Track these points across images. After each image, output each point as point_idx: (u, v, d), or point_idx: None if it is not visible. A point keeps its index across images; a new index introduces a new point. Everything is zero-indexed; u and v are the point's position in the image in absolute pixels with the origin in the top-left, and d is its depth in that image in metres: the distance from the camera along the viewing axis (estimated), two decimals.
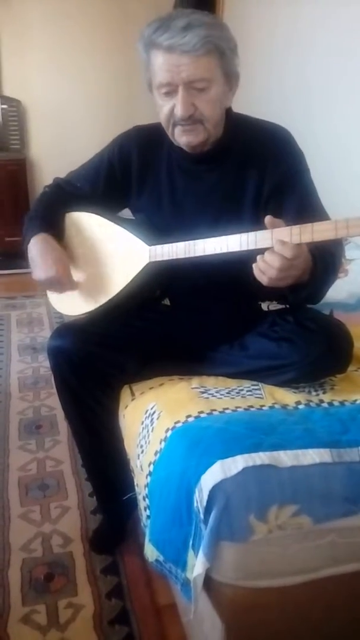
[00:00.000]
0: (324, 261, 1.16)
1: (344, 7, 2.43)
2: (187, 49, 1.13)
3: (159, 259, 1.25)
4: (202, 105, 1.21)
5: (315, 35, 2.73)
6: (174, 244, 1.21)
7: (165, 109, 1.23)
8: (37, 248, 1.33)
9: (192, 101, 1.19)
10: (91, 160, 1.47)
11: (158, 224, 1.36)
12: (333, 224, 0.98)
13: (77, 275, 1.38)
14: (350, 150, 2.51)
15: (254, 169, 1.29)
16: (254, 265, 1.08)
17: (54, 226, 1.39)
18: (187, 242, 1.19)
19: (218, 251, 1.14)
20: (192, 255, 1.18)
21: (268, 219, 1.04)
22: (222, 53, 1.19)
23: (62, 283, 1.33)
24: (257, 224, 1.27)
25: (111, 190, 1.43)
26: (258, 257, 1.07)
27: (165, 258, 1.24)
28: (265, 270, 1.06)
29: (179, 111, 1.20)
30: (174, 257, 1.22)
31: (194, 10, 1.18)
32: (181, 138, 1.26)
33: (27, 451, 1.95)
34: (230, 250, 1.12)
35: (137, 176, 1.40)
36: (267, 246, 1.05)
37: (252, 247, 1.08)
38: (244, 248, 1.09)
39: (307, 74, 2.83)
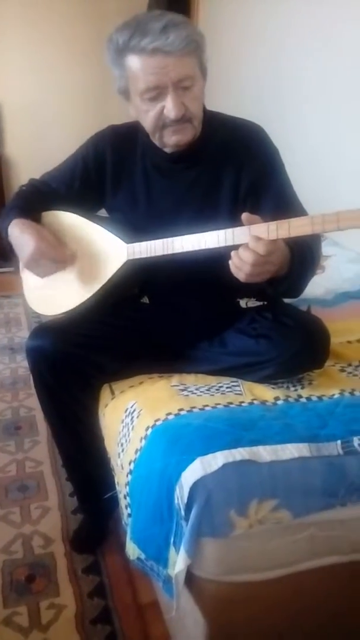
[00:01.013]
0: (301, 255, 1.16)
1: (315, 7, 2.47)
2: (171, 49, 1.12)
3: (137, 256, 1.25)
4: (190, 103, 1.20)
5: (286, 34, 2.76)
6: (152, 242, 1.21)
7: (151, 114, 1.21)
8: (16, 231, 1.31)
9: (181, 100, 1.18)
10: (66, 161, 1.46)
11: (134, 224, 1.35)
12: (309, 219, 0.99)
13: (56, 274, 1.37)
14: (320, 148, 2.55)
15: (230, 166, 1.30)
16: (230, 262, 1.08)
17: (31, 216, 1.36)
18: (165, 240, 1.19)
19: (196, 248, 1.14)
20: (170, 252, 1.18)
21: (245, 215, 1.05)
22: (200, 49, 1.19)
23: (48, 254, 1.28)
24: (234, 221, 1.27)
25: (86, 190, 1.42)
26: (233, 254, 1.07)
27: (144, 255, 1.23)
28: (240, 267, 1.07)
29: (171, 113, 1.18)
30: (152, 255, 1.22)
31: (162, 12, 1.17)
32: (171, 138, 1.24)
33: (6, 452, 1.93)
34: (208, 246, 1.12)
35: (111, 176, 1.39)
36: (244, 242, 1.06)
37: (229, 243, 1.08)
38: (222, 244, 1.09)
39: (278, 72, 2.87)
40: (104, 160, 1.39)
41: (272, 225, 1.02)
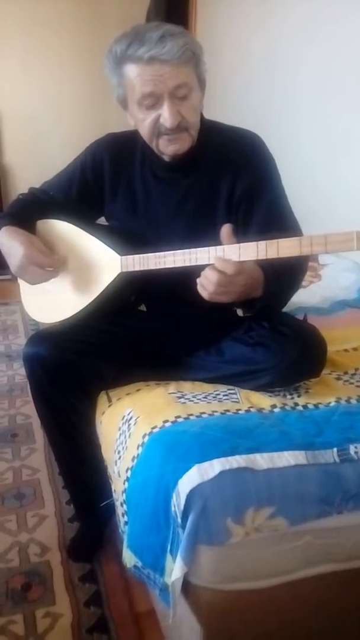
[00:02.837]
0: (277, 276, 1.17)
1: (312, 19, 2.50)
2: (167, 58, 1.14)
3: (130, 269, 1.26)
4: (186, 112, 1.21)
5: (282, 46, 2.80)
6: (145, 255, 1.22)
7: (147, 122, 1.22)
8: (5, 238, 1.31)
9: (177, 109, 1.20)
10: (65, 169, 1.48)
11: (132, 231, 1.36)
12: (298, 241, 1.00)
13: (52, 283, 1.37)
14: (316, 162, 2.57)
15: (227, 174, 1.31)
16: (197, 280, 1.11)
17: (23, 223, 1.36)
18: (157, 254, 1.19)
19: (187, 264, 1.15)
20: (161, 267, 1.19)
21: (225, 229, 1.07)
22: (197, 60, 1.21)
23: (38, 261, 1.29)
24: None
25: (84, 198, 1.43)
26: (202, 273, 1.09)
27: (137, 269, 1.24)
28: (205, 285, 1.09)
29: (167, 121, 1.19)
30: (145, 268, 1.22)
31: (160, 23, 1.19)
32: (168, 148, 1.26)
33: (2, 460, 1.93)
34: (199, 263, 1.13)
35: (109, 184, 1.40)
36: (235, 259, 1.07)
37: None
38: (212, 262, 1.10)
39: (274, 84, 2.90)
40: (102, 168, 1.40)
41: (262, 244, 1.03)
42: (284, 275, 1.20)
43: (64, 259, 1.36)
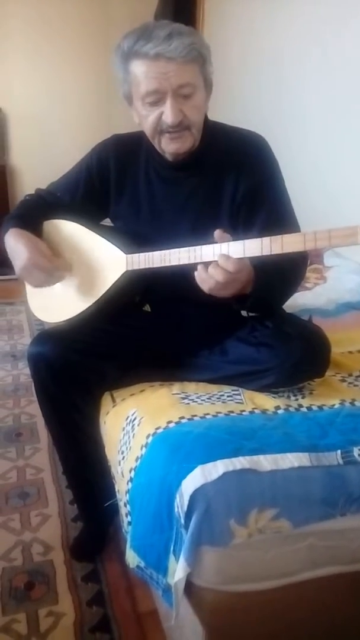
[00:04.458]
0: (267, 276, 1.17)
1: (318, 21, 2.49)
2: (173, 56, 1.15)
3: (135, 267, 1.26)
4: (189, 111, 1.22)
5: (289, 46, 2.80)
6: (150, 253, 1.22)
7: (150, 119, 1.23)
8: (12, 241, 1.32)
9: (179, 107, 1.21)
10: (71, 170, 1.48)
11: (137, 231, 1.37)
12: (302, 236, 1.00)
13: (57, 283, 1.38)
14: (322, 161, 2.56)
15: (230, 175, 1.31)
16: (195, 273, 1.11)
17: (30, 225, 1.37)
18: (162, 252, 1.19)
19: (192, 261, 1.15)
20: (167, 264, 1.19)
21: (217, 232, 1.08)
22: (204, 60, 1.22)
23: (41, 264, 1.28)
24: (235, 229, 1.29)
25: (90, 199, 1.44)
26: (199, 267, 1.11)
27: (142, 266, 1.25)
28: (206, 280, 1.10)
29: (168, 118, 1.20)
30: (151, 266, 1.23)
31: (169, 22, 1.20)
32: (169, 146, 1.27)
33: (7, 459, 1.94)
34: (204, 260, 1.13)
35: (115, 184, 1.41)
36: (238, 256, 1.07)
37: None
38: (217, 259, 1.10)
39: (280, 85, 2.90)
40: (107, 168, 1.41)
41: (266, 240, 1.03)
42: (275, 273, 1.21)
43: (69, 262, 1.36)
